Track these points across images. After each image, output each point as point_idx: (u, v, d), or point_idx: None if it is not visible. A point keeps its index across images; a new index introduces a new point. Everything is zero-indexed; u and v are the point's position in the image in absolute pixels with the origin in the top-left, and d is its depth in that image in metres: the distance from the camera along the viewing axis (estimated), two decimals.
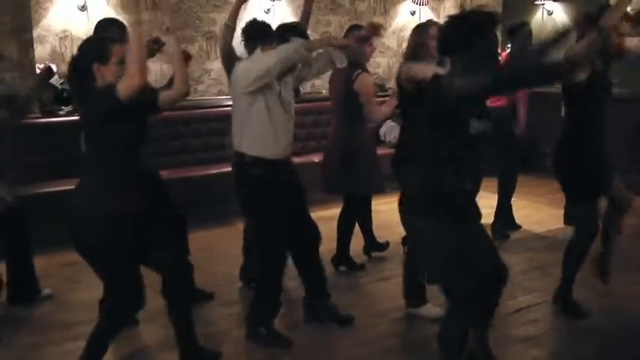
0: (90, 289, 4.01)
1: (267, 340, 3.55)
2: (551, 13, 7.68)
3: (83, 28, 5.94)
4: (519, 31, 5.07)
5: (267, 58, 3.37)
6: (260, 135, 3.46)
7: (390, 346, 3.55)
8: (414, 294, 3.86)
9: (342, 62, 3.60)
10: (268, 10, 6.90)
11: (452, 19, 2.70)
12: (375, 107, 4.26)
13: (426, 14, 8.12)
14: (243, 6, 6.68)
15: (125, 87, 2.71)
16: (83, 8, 5.99)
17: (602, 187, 3.76)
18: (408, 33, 7.78)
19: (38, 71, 5.43)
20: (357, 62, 4.23)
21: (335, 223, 4.71)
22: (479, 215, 2.82)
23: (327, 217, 5.17)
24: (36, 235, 4.12)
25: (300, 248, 3.76)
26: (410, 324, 3.84)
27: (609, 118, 3.69)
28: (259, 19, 3.77)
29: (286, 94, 3.53)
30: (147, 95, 2.90)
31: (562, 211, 5.49)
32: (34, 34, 5.55)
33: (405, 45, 7.71)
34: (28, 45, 5.27)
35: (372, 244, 4.89)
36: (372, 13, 7.75)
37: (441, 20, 8.23)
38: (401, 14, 7.99)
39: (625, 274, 4.47)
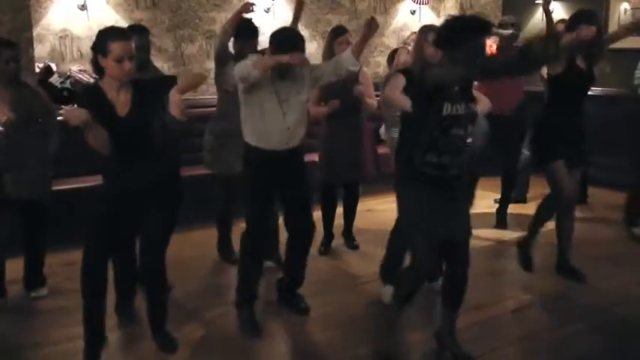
0: None
1: (242, 323, 3.72)
2: (551, 12, 7.66)
3: (83, 27, 5.94)
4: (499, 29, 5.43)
5: (235, 71, 3.58)
6: (253, 127, 3.66)
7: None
8: (387, 271, 4.01)
9: (354, 65, 3.70)
10: (268, 9, 6.89)
11: (450, 19, 3.03)
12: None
13: (426, 13, 8.12)
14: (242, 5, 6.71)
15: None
16: (83, 7, 5.98)
17: (557, 154, 4.16)
18: (408, 32, 7.83)
19: (38, 70, 5.43)
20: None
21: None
22: (445, 187, 3.10)
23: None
24: None
25: (290, 240, 3.92)
26: (409, 324, 3.84)
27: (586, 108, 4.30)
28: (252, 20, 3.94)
29: (285, 92, 3.62)
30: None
31: None
32: (34, 33, 5.53)
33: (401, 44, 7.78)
34: (27, 44, 5.25)
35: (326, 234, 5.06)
36: (372, 12, 7.74)
37: (441, 19, 8.26)
38: (401, 13, 7.98)
39: (626, 275, 4.47)
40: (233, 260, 4.60)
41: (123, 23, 6.14)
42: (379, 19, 7.73)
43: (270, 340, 3.68)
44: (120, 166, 3.17)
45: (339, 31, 4.76)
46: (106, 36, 3.05)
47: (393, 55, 4.90)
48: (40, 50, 5.75)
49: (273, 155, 3.65)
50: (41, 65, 5.51)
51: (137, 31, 4.02)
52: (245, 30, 4.33)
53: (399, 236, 3.94)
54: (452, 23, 2.99)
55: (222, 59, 4.39)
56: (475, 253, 4.42)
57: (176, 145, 3.98)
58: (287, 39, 3.57)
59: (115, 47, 3.00)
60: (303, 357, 3.50)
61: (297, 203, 3.81)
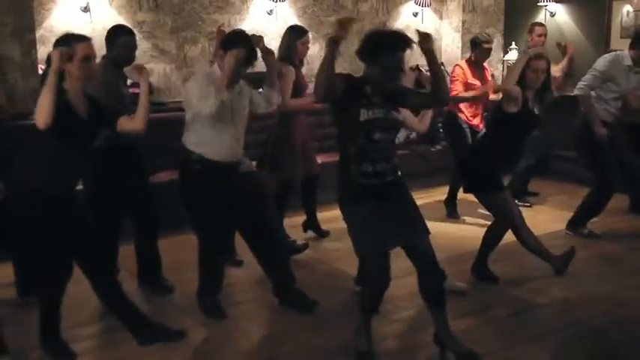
0: (89, 291, 4.00)
1: (205, 308, 3.88)
2: (554, 15, 7.67)
3: (86, 28, 5.95)
4: (476, 46, 5.71)
5: (192, 98, 3.62)
6: (203, 136, 3.66)
7: (390, 348, 3.54)
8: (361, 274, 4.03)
9: (277, 102, 4.11)
10: (271, 11, 6.90)
11: (368, 34, 3.19)
12: (282, 95, 4.50)
13: (428, 15, 8.12)
14: (245, 7, 6.73)
15: (125, 126, 3.37)
16: (86, 9, 6.00)
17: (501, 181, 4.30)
18: (410, 34, 7.82)
19: (41, 72, 5.45)
20: (288, 57, 4.69)
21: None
22: (386, 196, 3.19)
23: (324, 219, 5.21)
24: None
25: (252, 245, 3.99)
26: (410, 326, 3.84)
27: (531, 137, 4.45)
28: (239, 30, 3.92)
29: (237, 102, 3.72)
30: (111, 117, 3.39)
31: (563, 213, 5.51)
32: (37, 34, 5.56)
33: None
34: (30, 46, 5.28)
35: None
36: (375, 15, 7.75)
37: (443, 21, 8.26)
38: (403, 15, 7.98)
39: (626, 278, 4.46)
40: (234, 261, 4.61)
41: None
42: (381, 20, 7.77)
43: (273, 340, 3.69)
44: (54, 166, 3.20)
45: (302, 31, 4.82)
46: (68, 39, 3.21)
47: None
48: (43, 52, 5.75)
49: (218, 166, 3.69)
50: (44, 67, 5.52)
51: (125, 31, 4.08)
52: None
53: None
54: (368, 38, 3.14)
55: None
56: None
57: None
58: (234, 36, 3.75)
59: (80, 48, 3.16)
60: (306, 357, 3.49)
61: (248, 209, 3.89)
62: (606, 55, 5.22)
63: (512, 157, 4.38)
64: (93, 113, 3.28)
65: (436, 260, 3.27)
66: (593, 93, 5.11)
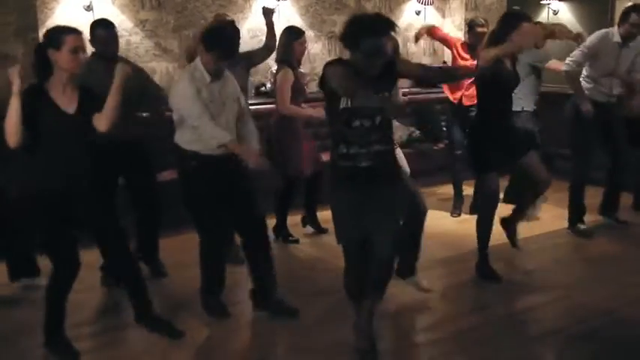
0: (91, 290, 4.04)
1: (208, 307, 3.87)
2: (557, 13, 7.65)
3: (89, 27, 5.96)
4: (470, 30, 5.82)
5: (182, 108, 3.64)
6: (196, 133, 3.65)
7: (389, 349, 3.53)
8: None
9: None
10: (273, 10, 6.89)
11: (349, 19, 3.09)
12: (282, 100, 4.72)
13: (431, 14, 8.11)
14: (247, 5, 6.72)
15: (95, 124, 3.25)
16: (89, 8, 6.00)
17: (497, 163, 4.24)
18: (413, 33, 7.83)
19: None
20: (286, 59, 4.77)
21: None
22: (363, 181, 3.15)
23: None
24: None
25: (245, 241, 3.96)
26: (410, 327, 3.84)
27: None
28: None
29: (224, 92, 3.72)
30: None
31: (565, 211, 5.50)
32: (40, 34, 5.56)
33: (409, 45, 7.78)
34: (34, 45, 5.28)
35: (281, 227, 5.21)
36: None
37: (446, 20, 8.24)
38: (406, 14, 7.97)
39: (625, 276, 4.46)
40: (236, 261, 4.61)
41: (128, 24, 6.18)
42: None
43: (274, 339, 3.71)
44: (48, 165, 3.21)
45: (299, 32, 4.90)
46: (59, 30, 3.23)
47: None
48: None
49: (213, 160, 3.67)
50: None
51: (100, 25, 4.17)
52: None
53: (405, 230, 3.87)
54: (350, 23, 3.07)
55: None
56: None
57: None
58: (215, 35, 3.73)
59: (70, 39, 3.16)
60: (307, 356, 3.51)
61: (245, 205, 3.86)
62: (596, 32, 5.25)
63: (500, 122, 4.22)
64: (85, 105, 3.26)
65: (390, 257, 3.33)
66: (583, 72, 5.18)
